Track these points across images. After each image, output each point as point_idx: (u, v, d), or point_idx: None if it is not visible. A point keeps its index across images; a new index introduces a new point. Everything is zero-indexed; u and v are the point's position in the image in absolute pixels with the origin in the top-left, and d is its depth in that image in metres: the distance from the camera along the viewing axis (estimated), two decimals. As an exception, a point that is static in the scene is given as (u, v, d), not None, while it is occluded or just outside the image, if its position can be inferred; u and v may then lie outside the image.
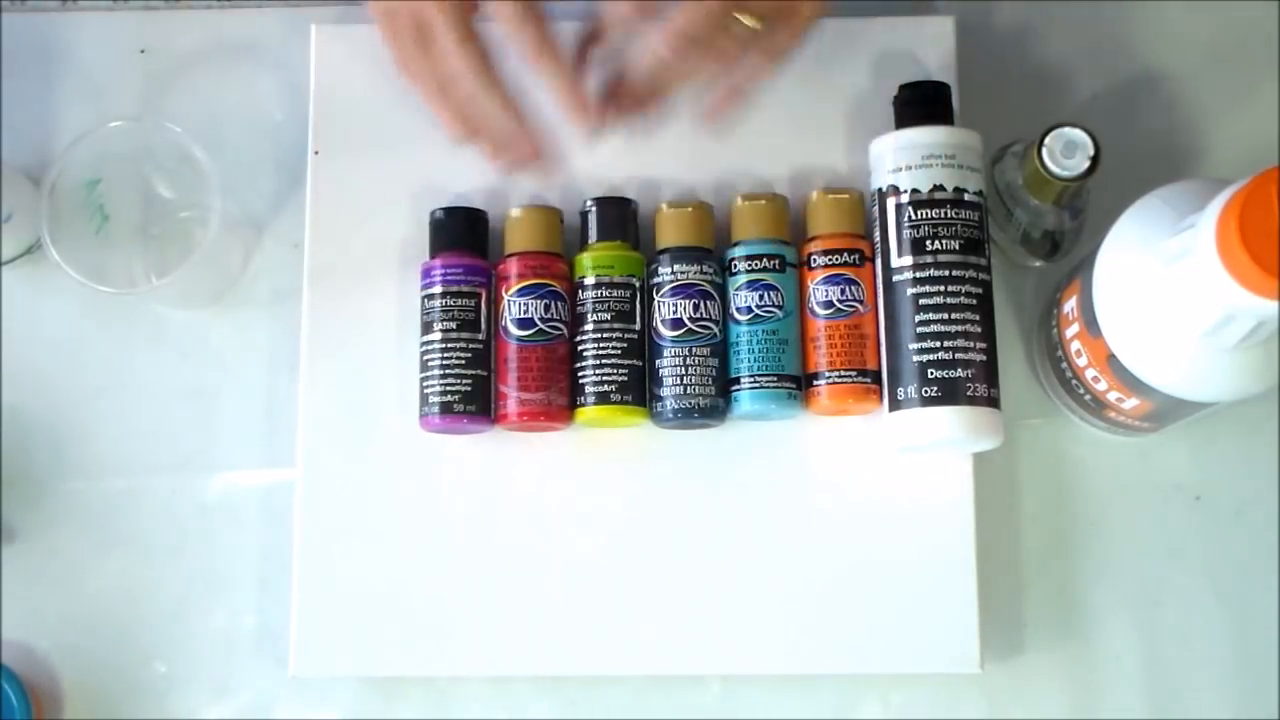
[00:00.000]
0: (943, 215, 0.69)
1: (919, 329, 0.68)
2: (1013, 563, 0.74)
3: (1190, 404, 0.65)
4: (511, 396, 0.70)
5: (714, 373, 0.70)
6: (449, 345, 0.71)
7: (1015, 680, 0.73)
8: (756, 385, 0.70)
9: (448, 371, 0.70)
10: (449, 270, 0.71)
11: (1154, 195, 0.64)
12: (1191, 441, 0.74)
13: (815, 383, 0.70)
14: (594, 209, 0.72)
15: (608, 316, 0.71)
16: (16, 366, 0.77)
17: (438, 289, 0.71)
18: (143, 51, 0.80)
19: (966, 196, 0.69)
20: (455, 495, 0.72)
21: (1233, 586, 0.74)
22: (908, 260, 0.69)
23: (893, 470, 0.71)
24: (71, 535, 0.75)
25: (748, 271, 0.71)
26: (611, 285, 0.71)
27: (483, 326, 0.71)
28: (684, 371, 0.70)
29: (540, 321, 0.71)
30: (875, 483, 0.71)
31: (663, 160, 0.74)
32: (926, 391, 0.67)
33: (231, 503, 0.75)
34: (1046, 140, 0.69)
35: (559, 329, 0.71)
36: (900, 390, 0.68)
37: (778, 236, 0.71)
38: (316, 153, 0.75)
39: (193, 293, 0.76)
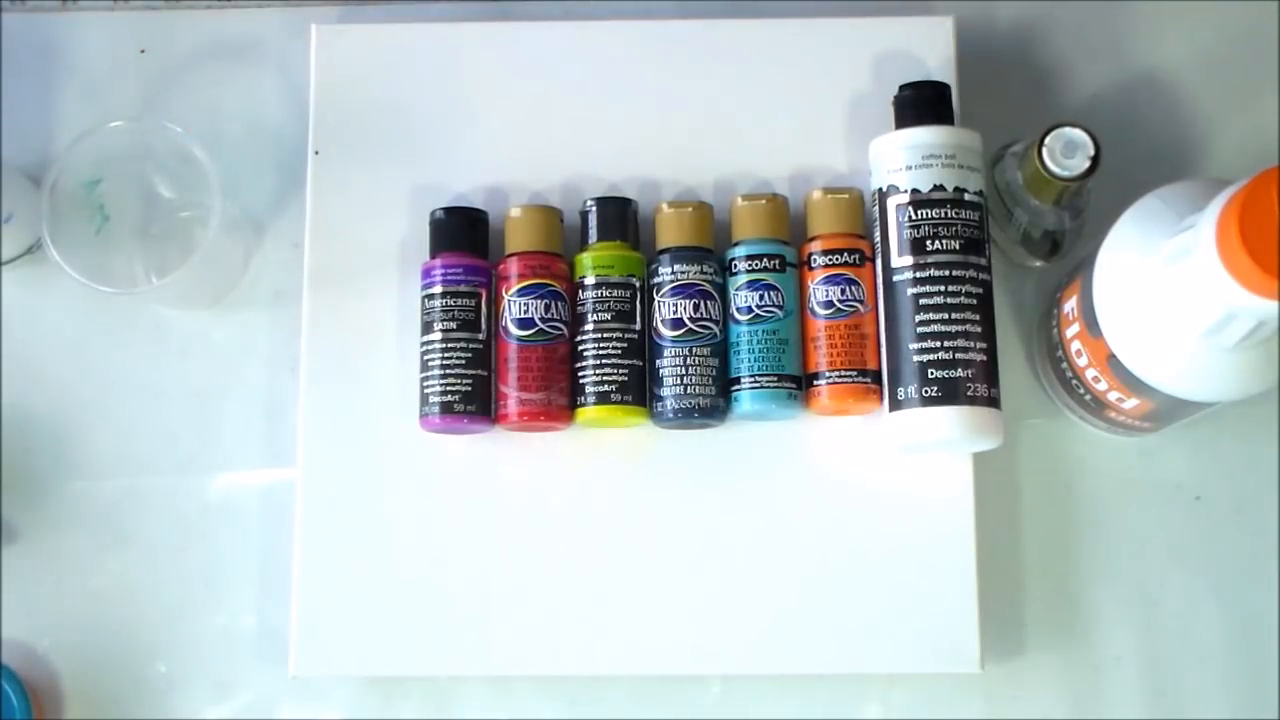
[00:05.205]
0: (943, 215, 0.69)
1: (919, 329, 0.68)
2: (1013, 563, 0.74)
3: (1190, 404, 0.65)
4: (512, 396, 0.70)
5: (714, 373, 0.70)
6: (449, 345, 0.71)
7: (1015, 680, 0.73)
8: (757, 385, 0.70)
9: (448, 371, 0.70)
10: (449, 270, 0.71)
11: (1154, 195, 0.64)
12: (1191, 441, 0.74)
13: (815, 383, 0.70)
14: (594, 209, 0.72)
15: (608, 316, 0.71)
16: (17, 367, 0.77)
17: (438, 289, 0.71)
18: (143, 51, 0.80)
19: (966, 196, 0.69)
20: (455, 495, 0.72)
21: (1233, 586, 0.74)
22: (908, 260, 0.69)
23: (893, 470, 0.71)
24: (72, 535, 0.75)
25: (748, 271, 0.71)
26: (611, 285, 0.71)
27: (483, 326, 0.71)
28: (684, 371, 0.70)
29: (540, 321, 0.71)
30: (875, 483, 0.71)
31: (663, 160, 0.74)
32: (927, 391, 0.67)
33: (232, 503, 0.75)
34: (1046, 140, 0.69)
35: (559, 329, 0.71)
36: (900, 390, 0.68)
37: (778, 236, 0.71)
38: (316, 153, 0.75)
39: (193, 293, 0.76)
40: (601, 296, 0.71)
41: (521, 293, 0.71)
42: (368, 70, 0.75)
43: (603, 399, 0.70)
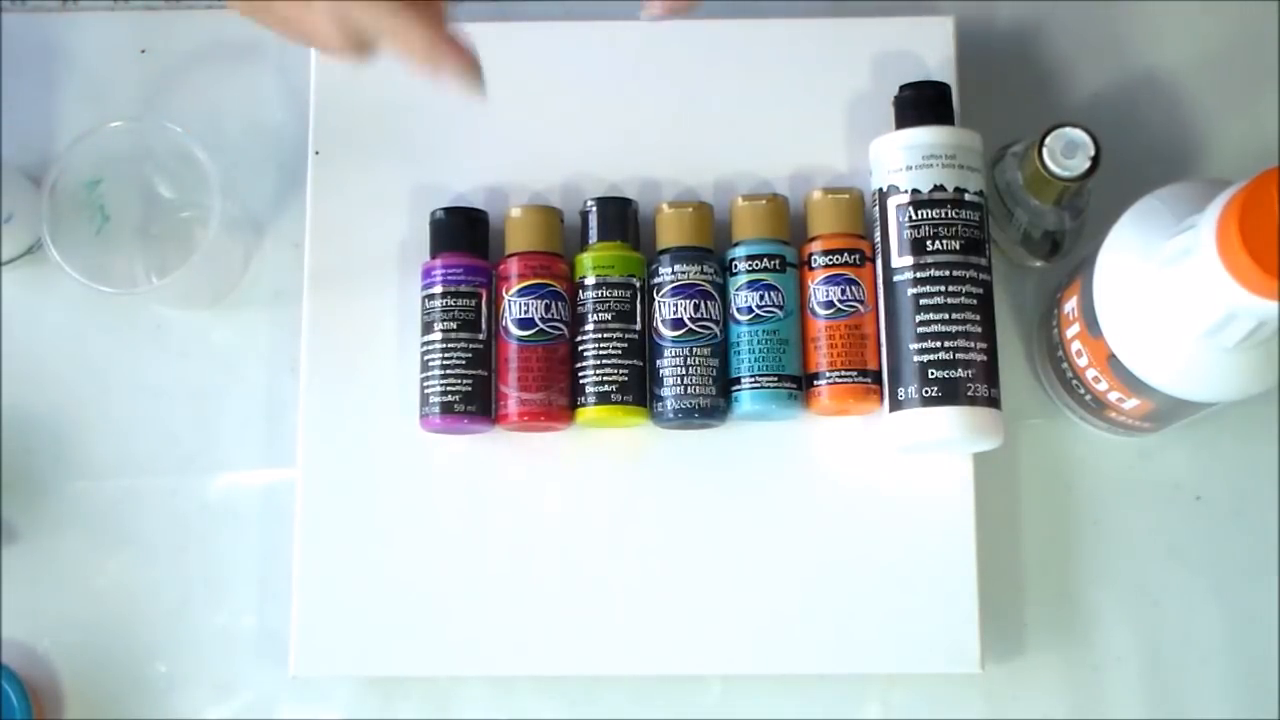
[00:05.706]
0: (943, 215, 0.69)
1: (919, 329, 0.68)
2: (1013, 563, 0.74)
3: (1190, 404, 0.65)
4: (512, 396, 0.70)
5: (714, 373, 0.70)
6: (449, 345, 0.71)
7: (1015, 680, 0.73)
8: (757, 385, 0.70)
9: (448, 371, 0.70)
10: (449, 270, 0.71)
11: (1154, 196, 0.65)
12: (1191, 441, 0.74)
13: (816, 383, 0.70)
14: (594, 209, 0.72)
15: (608, 316, 0.71)
16: (17, 367, 0.77)
17: (438, 289, 0.71)
18: (143, 51, 0.80)
19: (966, 196, 0.69)
20: (455, 495, 0.72)
21: (1233, 586, 0.74)
22: (908, 260, 0.69)
23: (893, 470, 0.71)
24: (72, 535, 0.75)
25: (748, 271, 0.71)
26: (612, 285, 0.71)
27: (483, 326, 0.71)
28: (684, 371, 0.70)
29: (541, 321, 0.71)
30: (875, 483, 0.71)
31: (663, 160, 0.74)
32: (927, 391, 0.67)
33: (232, 503, 0.75)
34: (1046, 140, 0.69)
35: (559, 329, 0.71)
36: (900, 390, 0.68)
37: (778, 236, 0.71)
38: (317, 153, 0.75)
39: (193, 293, 0.76)
40: (602, 296, 0.71)
41: (522, 293, 0.71)
42: (368, 70, 0.75)
43: (603, 399, 0.70)
